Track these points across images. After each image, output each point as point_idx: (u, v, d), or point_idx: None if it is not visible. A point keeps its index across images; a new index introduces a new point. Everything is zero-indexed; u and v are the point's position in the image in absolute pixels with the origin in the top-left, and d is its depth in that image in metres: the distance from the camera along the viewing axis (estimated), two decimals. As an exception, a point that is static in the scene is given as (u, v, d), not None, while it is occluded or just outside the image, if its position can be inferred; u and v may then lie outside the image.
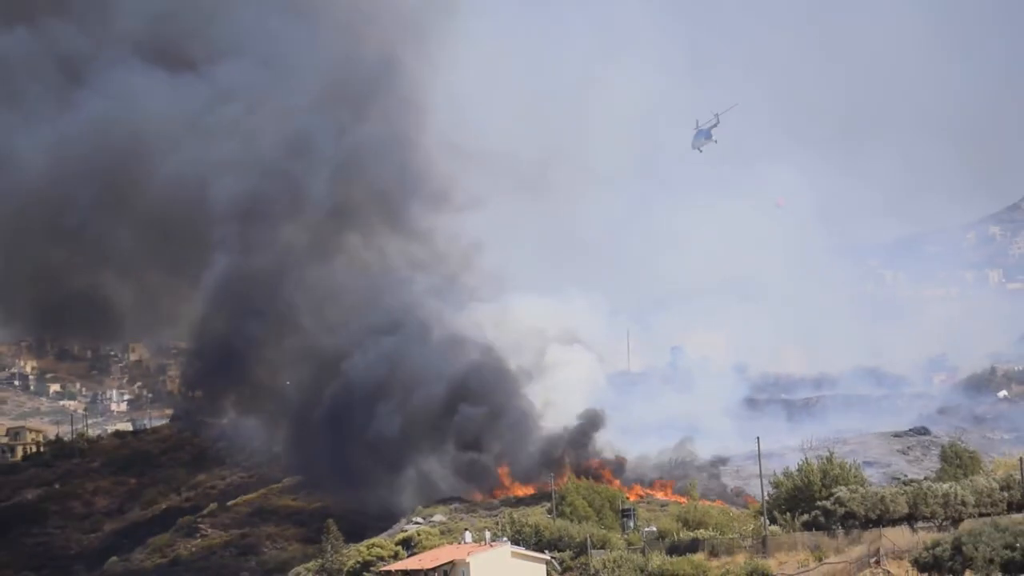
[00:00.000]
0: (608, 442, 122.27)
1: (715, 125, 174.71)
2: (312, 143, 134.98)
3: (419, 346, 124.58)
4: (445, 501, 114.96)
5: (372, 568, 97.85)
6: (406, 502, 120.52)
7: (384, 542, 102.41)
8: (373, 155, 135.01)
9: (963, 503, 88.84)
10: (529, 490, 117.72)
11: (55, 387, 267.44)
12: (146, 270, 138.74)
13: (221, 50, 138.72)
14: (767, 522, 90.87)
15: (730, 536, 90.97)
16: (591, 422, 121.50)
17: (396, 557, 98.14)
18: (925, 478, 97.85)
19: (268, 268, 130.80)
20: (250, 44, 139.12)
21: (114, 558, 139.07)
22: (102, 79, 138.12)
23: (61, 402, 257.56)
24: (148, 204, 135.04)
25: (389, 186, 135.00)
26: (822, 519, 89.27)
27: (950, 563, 78.87)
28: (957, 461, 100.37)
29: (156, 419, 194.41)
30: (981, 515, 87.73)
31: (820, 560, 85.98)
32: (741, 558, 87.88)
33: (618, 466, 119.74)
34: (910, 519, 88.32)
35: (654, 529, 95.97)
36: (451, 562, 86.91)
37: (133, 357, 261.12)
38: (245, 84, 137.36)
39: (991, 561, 77.92)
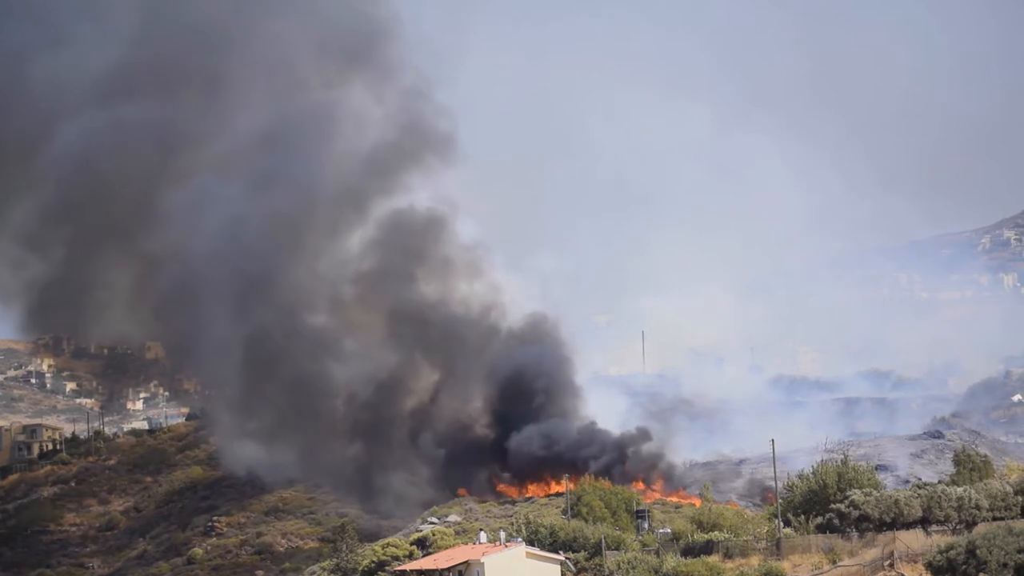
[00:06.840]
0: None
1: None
2: None
3: None
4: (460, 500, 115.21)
5: (387, 568, 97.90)
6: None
7: (399, 542, 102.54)
8: None
9: (977, 507, 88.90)
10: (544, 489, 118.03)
11: (71, 385, 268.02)
12: None
13: None
14: (781, 524, 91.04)
15: (744, 538, 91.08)
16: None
17: (411, 557, 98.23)
18: (939, 481, 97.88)
19: None
20: None
21: (129, 556, 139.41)
22: None
23: (77, 400, 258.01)
24: None
25: None
26: (836, 522, 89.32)
27: (964, 567, 78.88)
28: (971, 465, 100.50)
29: (172, 417, 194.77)
30: (995, 519, 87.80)
31: (834, 563, 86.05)
32: (755, 560, 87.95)
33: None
34: (924, 522, 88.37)
35: (669, 530, 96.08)
36: (466, 562, 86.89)
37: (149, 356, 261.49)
38: None
39: (1005, 565, 77.95)
